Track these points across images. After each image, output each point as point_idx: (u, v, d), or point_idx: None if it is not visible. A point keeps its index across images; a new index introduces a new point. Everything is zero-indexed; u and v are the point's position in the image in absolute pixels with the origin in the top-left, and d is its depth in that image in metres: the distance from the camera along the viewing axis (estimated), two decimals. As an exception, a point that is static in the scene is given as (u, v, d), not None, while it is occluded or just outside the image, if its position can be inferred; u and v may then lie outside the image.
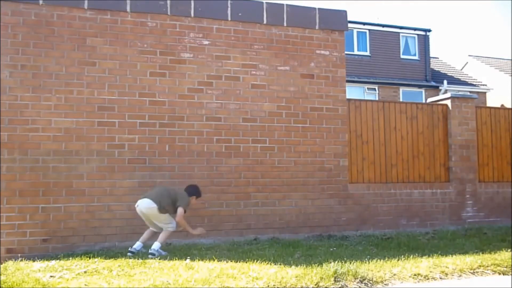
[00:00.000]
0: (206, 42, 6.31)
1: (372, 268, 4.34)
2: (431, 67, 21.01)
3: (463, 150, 7.52)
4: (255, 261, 4.62)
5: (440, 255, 4.99)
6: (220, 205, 6.18)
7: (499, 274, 4.50)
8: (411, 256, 4.88)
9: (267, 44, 6.55)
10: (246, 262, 4.58)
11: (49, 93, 5.71)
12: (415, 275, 4.27)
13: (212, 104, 6.27)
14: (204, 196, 6.11)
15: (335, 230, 6.58)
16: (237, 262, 4.63)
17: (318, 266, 4.31)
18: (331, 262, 4.33)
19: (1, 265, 4.81)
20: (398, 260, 4.72)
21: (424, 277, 4.25)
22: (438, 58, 24.71)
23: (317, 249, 5.45)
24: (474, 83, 22.27)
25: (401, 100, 19.32)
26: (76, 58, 5.84)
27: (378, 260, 4.69)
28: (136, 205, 5.24)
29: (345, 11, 6.98)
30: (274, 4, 6.63)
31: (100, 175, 5.77)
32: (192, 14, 6.26)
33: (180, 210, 5.17)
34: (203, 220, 6.09)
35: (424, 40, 20.50)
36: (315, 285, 3.89)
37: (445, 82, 20.25)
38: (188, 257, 4.89)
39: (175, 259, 4.80)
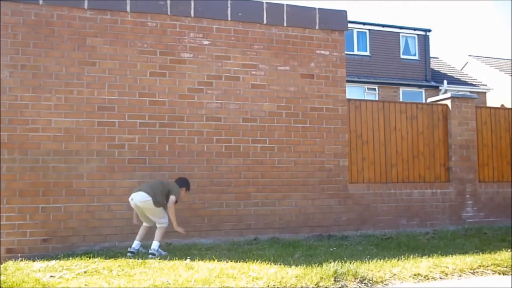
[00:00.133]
0: (206, 42, 6.31)
1: (372, 268, 4.34)
2: (431, 67, 21.01)
3: (463, 150, 7.52)
4: (255, 261, 4.62)
5: (440, 255, 4.99)
6: (220, 205, 6.18)
7: (499, 274, 4.50)
8: (411, 256, 4.88)
9: (267, 44, 6.55)
10: (246, 262, 4.58)
11: (49, 93, 5.71)
12: (415, 275, 4.27)
13: (212, 104, 6.27)
14: (204, 196, 6.13)
15: (335, 230, 6.59)
16: (237, 262, 4.63)
17: (318, 266, 4.31)
18: (331, 262, 4.33)
19: (1, 265, 4.81)
20: (398, 260, 4.72)
21: (424, 277, 4.25)
22: (438, 58, 24.71)
23: (317, 249, 5.45)
24: (474, 83, 22.27)
25: (401, 100, 19.32)
26: (76, 58, 5.84)
27: (378, 260, 4.69)
28: (130, 199, 5.20)
29: (345, 11, 6.98)
30: (274, 4, 6.63)
31: (100, 175, 5.77)
32: (192, 14, 6.26)
33: (172, 197, 5.19)
34: (203, 220, 6.09)
35: (424, 40, 20.50)
36: (315, 285, 3.89)
37: (445, 82, 20.26)
38: (188, 257, 4.89)
39: (175, 259, 4.80)
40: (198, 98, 6.22)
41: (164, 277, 4.00)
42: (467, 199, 7.48)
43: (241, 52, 6.43)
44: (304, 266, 4.37)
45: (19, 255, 5.31)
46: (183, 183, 5.53)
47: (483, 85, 22.30)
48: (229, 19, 6.41)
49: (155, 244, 5.16)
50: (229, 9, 6.41)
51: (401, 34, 20.28)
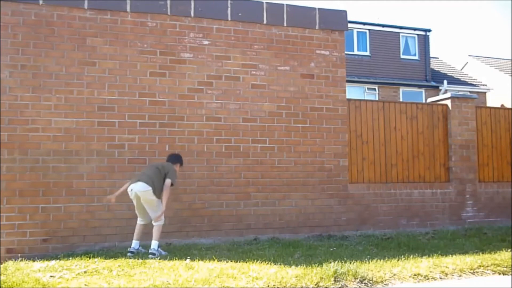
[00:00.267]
0: (206, 42, 6.32)
1: (372, 268, 4.34)
2: (431, 67, 21.01)
3: (463, 150, 7.52)
4: (255, 261, 4.62)
5: (440, 255, 4.99)
6: (220, 205, 6.18)
7: (499, 274, 4.50)
8: (411, 256, 4.88)
9: (267, 44, 6.56)
10: (246, 262, 4.58)
11: (49, 93, 5.71)
12: (415, 275, 4.27)
13: (212, 104, 6.27)
14: (204, 196, 6.13)
15: (335, 230, 6.59)
16: (237, 262, 4.63)
17: (318, 266, 4.31)
18: (331, 262, 4.33)
19: (1, 265, 4.81)
20: (398, 260, 4.72)
21: (424, 277, 4.25)
22: (438, 58, 24.70)
23: (317, 249, 5.45)
24: (474, 83, 22.27)
25: (401, 100, 19.32)
26: (76, 58, 5.84)
27: (378, 260, 4.69)
28: (130, 189, 5.20)
29: (345, 11, 6.98)
30: (274, 4, 6.63)
31: (100, 175, 5.77)
32: (192, 14, 6.26)
33: (168, 181, 5.23)
34: (203, 220, 6.09)
35: (424, 40, 20.50)
36: (315, 285, 3.89)
37: (445, 82, 20.25)
38: (188, 257, 4.89)
39: (175, 259, 4.80)
40: (198, 98, 6.22)
41: (164, 277, 4.00)
42: (467, 199, 7.48)
43: (241, 52, 6.43)
44: (304, 266, 4.37)
45: (19, 255, 5.31)
46: (176, 159, 5.62)
47: (483, 85, 22.30)
48: (229, 19, 6.41)
49: (154, 244, 5.15)
50: (229, 9, 6.41)
51: (401, 34, 20.28)
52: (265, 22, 6.56)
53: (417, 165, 7.32)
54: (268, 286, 3.82)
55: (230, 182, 6.25)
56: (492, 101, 21.71)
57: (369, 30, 19.78)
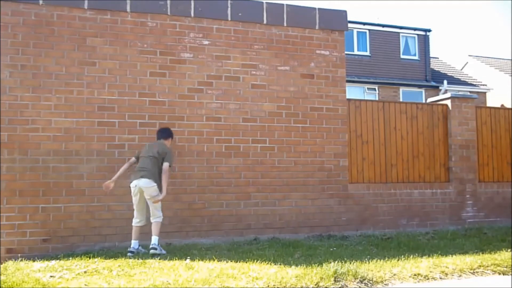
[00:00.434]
0: (206, 42, 6.31)
1: (372, 268, 4.34)
2: (431, 67, 21.01)
3: (463, 150, 7.52)
4: (255, 261, 4.62)
5: (440, 255, 5.00)
6: (220, 205, 6.18)
7: (499, 274, 4.50)
8: (411, 256, 4.88)
9: (267, 44, 6.55)
10: (246, 262, 4.58)
11: (49, 93, 5.71)
12: (415, 275, 4.27)
13: (212, 104, 6.27)
14: (204, 196, 6.13)
15: (335, 230, 6.58)
16: (237, 262, 4.63)
17: (318, 266, 4.31)
18: (331, 262, 4.33)
19: (1, 265, 4.81)
20: (398, 260, 4.72)
21: (424, 277, 4.25)
22: (438, 58, 24.70)
23: (317, 249, 5.45)
24: (474, 83, 22.27)
25: (401, 100, 19.31)
26: (76, 58, 5.84)
27: (378, 260, 4.69)
28: (134, 185, 5.23)
29: (345, 11, 6.98)
30: (274, 4, 6.63)
31: (100, 175, 5.77)
32: (192, 14, 6.26)
33: (166, 165, 5.31)
34: (203, 220, 6.09)
35: (424, 40, 20.50)
36: (315, 285, 3.89)
37: (445, 82, 20.26)
38: (188, 257, 4.89)
39: (175, 259, 4.80)
40: (198, 98, 6.22)
41: (164, 277, 4.00)
42: (467, 199, 7.48)
43: (241, 52, 6.43)
44: (304, 266, 4.37)
45: (19, 255, 5.31)
46: (168, 134, 5.66)
47: (483, 85, 22.30)
48: (229, 19, 6.41)
49: (155, 239, 5.17)
50: (229, 9, 6.41)
51: (401, 34, 20.28)
52: (265, 22, 6.56)
53: (417, 165, 7.32)
54: (268, 286, 3.82)
55: (230, 182, 6.25)
56: (492, 101, 21.71)
57: (369, 30, 19.78)
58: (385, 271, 4.29)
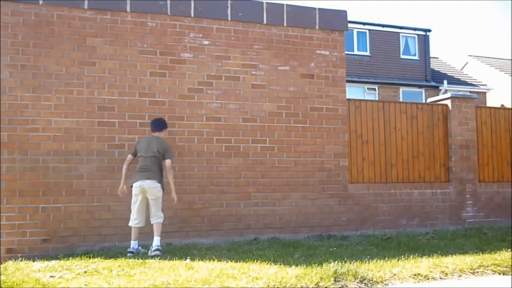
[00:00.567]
0: (206, 42, 6.31)
1: (372, 268, 4.34)
2: (431, 67, 21.01)
3: (463, 150, 7.52)
4: (255, 261, 4.62)
5: (440, 255, 4.99)
6: (220, 205, 6.18)
7: (499, 274, 4.50)
8: (411, 256, 4.88)
9: (267, 44, 6.55)
10: (246, 262, 4.58)
11: (49, 93, 5.71)
12: (415, 275, 4.27)
13: (212, 104, 6.27)
14: (204, 196, 6.13)
15: (335, 230, 6.58)
16: (237, 262, 4.63)
17: (318, 266, 4.31)
18: (331, 262, 4.33)
19: (1, 265, 4.81)
20: (398, 260, 4.72)
21: (424, 277, 4.25)
22: (438, 58, 24.71)
23: (317, 249, 5.45)
24: (474, 83, 22.28)
25: (401, 100, 19.32)
26: (76, 58, 5.83)
27: (378, 260, 4.69)
28: (138, 186, 5.22)
29: (345, 11, 6.98)
30: (274, 4, 6.63)
31: (100, 175, 5.77)
32: (192, 14, 6.26)
33: (168, 162, 5.38)
34: (203, 220, 6.09)
35: (424, 40, 20.51)
36: (315, 285, 3.89)
37: (445, 82, 20.26)
38: (188, 257, 4.89)
39: (175, 259, 4.80)
40: (198, 98, 6.22)
41: (164, 277, 4.00)
42: (467, 199, 7.48)
43: (241, 52, 6.43)
44: (304, 266, 4.37)
45: (19, 255, 5.31)
46: (163, 125, 5.63)
47: (483, 85, 22.30)
48: (229, 19, 6.41)
49: (158, 240, 5.17)
50: (229, 9, 6.41)
51: (401, 34, 20.29)
52: (265, 22, 6.56)
53: (417, 165, 7.32)
54: (268, 286, 3.82)
55: (230, 182, 6.25)
56: (492, 101, 21.72)
57: (369, 30, 19.78)
58: (385, 271, 4.29)
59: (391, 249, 5.48)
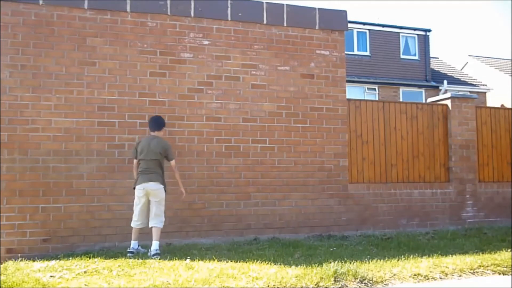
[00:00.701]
0: (206, 42, 6.31)
1: (372, 268, 4.34)
2: (431, 67, 21.01)
3: (463, 150, 7.52)
4: (255, 261, 4.62)
5: (440, 255, 5.00)
6: (220, 205, 6.18)
7: (499, 274, 4.50)
8: (411, 256, 4.88)
9: (267, 44, 6.55)
10: (246, 262, 4.58)
11: (49, 93, 5.71)
12: (415, 275, 4.27)
13: (212, 104, 6.27)
14: (204, 196, 6.13)
15: (335, 230, 6.58)
16: (237, 262, 4.63)
17: (318, 266, 4.31)
18: (331, 262, 4.33)
19: (1, 265, 4.81)
20: (398, 260, 4.72)
21: (424, 277, 4.25)
22: (438, 58, 24.70)
23: (317, 249, 5.45)
24: (474, 83, 22.27)
25: (401, 100, 19.31)
26: (76, 58, 5.83)
27: (378, 260, 4.69)
28: (141, 187, 5.22)
29: (345, 11, 6.98)
30: (274, 4, 6.63)
31: (100, 175, 5.77)
32: (192, 14, 6.26)
33: (173, 162, 5.48)
34: (203, 220, 6.09)
35: (424, 40, 20.50)
36: (315, 285, 3.89)
37: (445, 82, 20.26)
38: (188, 257, 4.89)
39: (175, 259, 4.80)
40: (198, 98, 6.22)
41: (164, 277, 4.00)
42: (467, 199, 7.48)
43: (241, 52, 6.43)
44: (304, 266, 4.37)
45: (19, 255, 5.31)
46: (162, 124, 5.60)
47: (483, 85, 22.30)
48: (229, 19, 6.41)
49: (156, 244, 5.16)
50: (229, 9, 6.41)
51: (401, 34, 20.28)
52: (265, 22, 6.56)
53: (417, 165, 7.32)
54: (268, 286, 3.82)
55: (230, 182, 6.25)
56: (492, 101, 21.71)
57: (369, 30, 19.78)
58: (385, 271, 4.29)
59: (391, 249, 5.48)
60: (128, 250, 5.22)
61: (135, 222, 5.29)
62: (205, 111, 6.23)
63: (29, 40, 5.69)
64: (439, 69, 22.43)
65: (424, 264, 4.55)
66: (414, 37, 20.50)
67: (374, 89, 19.46)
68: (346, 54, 7.50)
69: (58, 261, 4.85)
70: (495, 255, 4.97)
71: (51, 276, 4.17)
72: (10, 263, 4.92)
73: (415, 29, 20.49)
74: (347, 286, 3.96)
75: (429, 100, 8.07)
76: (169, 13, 6.17)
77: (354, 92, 18.09)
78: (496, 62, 25.26)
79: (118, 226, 5.74)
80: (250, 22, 6.50)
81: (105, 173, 5.79)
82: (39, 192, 5.57)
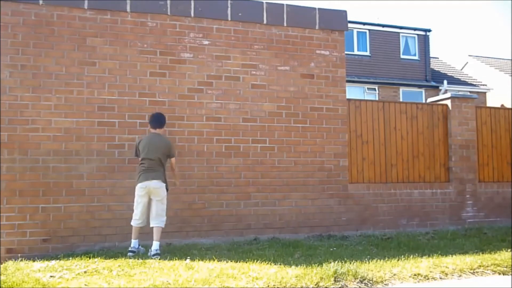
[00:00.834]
0: (206, 42, 6.31)
1: (372, 268, 4.34)
2: (431, 67, 21.01)
3: (463, 150, 7.52)
4: (255, 261, 4.62)
5: (440, 255, 5.00)
6: (220, 205, 6.18)
7: (499, 274, 4.50)
8: (411, 256, 4.88)
9: (267, 44, 6.55)
10: (246, 262, 4.58)
11: (49, 93, 5.71)
12: (415, 275, 4.27)
13: (212, 104, 6.27)
14: (204, 196, 6.13)
15: (335, 230, 6.58)
16: (237, 262, 4.63)
17: (318, 266, 4.31)
18: (331, 262, 4.33)
19: (1, 265, 4.82)
20: (398, 260, 4.72)
21: (424, 277, 4.26)
22: (438, 58, 24.70)
23: (317, 249, 5.45)
24: (474, 83, 22.27)
25: (401, 100, 19.31)
26: (76, 58, 5.83)
27: (378, 260, 4.69)
28: (143, 186, 5.21)
29: (345, 11, 6.98)
30: (274, 4, 6.63)
31: (100, 175, 5.77)
32: (192, 14, 6.26)
33: (173, 160, 5.54)
34: (203, 220, 6.09)
35: (424, 40, 20.50)
36: (315, 285, 3.89)
37: (445, 82, 20.25)
38: (188, 257, 4.89)
39: (175, 259, 4.80)
40: (198, 98, 6.22)
41: (164, 277, 4.01)
42: (467, 199, 7.48)
43: (241, 52, 6.43)
44: (304, 266, 4.37)
45: (19, 255, 5.31)
46: (163, 121, 5.57)
47: (483, 85, 22.30)
48: (229, 19, 6.41)
49: (157, 245, 5.16)
50: (229, 9, 6.41)
51: (401, 34, 20.28)
52: (265, 22, 6.56)
53: (417, 165, 7.32)
54: (268, 286, 3.82)
55: (230, 182, 6.25)
56: (492, 101, 21.71)
57: (369, 30, 19.78)
58: (385, 271, 4.30)
59: (391, 249, 5.48)
60: (129, 249, 5.22)
61: (136, 221, 5.28)
62: (205, 111, 6.23)
63: (29, 40, 5.69)
64: (439, 69, 22.43)
65: (424, 264, 4.55)
66: (414, 37, 20.50)
67: (374, 89, 19.46)
68: (346, 54, 7.50)
69: (58, 261, 4.85)
70: (495, 255, 4.97)
71: (51, 276, 4.17)
72: (10, 263, 4.93)
73: (415, 29, 20.50)
74: (347, 286, 3.96)
75: (429, 100, 8.07)
76: (169, 13, 6.17)
77: (354, 92, 18.08)
78: (496, 62, 25.26)
79: (118, 226, 5.74)
80: (250, 22, 6.50)
81: (105, 173, 5.79)
82: (39, 192, 5.57)
